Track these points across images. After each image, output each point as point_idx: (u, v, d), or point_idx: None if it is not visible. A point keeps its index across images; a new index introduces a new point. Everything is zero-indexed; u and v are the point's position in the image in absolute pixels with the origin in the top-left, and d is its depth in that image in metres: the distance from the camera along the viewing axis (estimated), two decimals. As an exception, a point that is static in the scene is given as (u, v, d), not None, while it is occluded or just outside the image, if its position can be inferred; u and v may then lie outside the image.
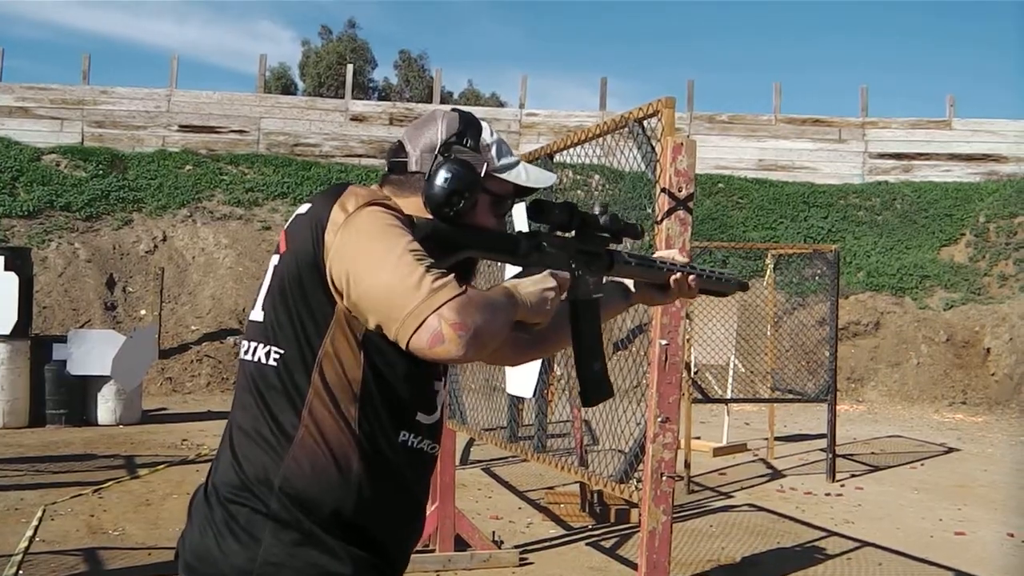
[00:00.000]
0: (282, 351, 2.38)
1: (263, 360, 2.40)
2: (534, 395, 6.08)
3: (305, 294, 2.35)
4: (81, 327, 19.44)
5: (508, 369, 6.47)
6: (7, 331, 13.80)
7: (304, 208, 2.45)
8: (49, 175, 24.52)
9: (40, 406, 14.96)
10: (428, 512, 7.87)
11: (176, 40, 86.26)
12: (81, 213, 23.78)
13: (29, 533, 8.44)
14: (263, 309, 2.44)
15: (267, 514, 2.31)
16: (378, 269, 2.20)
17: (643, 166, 5.08)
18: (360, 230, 2.27)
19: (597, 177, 25.12)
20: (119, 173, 24.94)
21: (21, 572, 7.31)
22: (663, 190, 4.58)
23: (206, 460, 12.42)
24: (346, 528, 2.34)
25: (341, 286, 2.27)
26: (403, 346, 2.17)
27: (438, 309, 2.11)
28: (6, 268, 13.07)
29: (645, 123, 5.06)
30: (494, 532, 8.22)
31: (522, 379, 6.15)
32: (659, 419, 4.55)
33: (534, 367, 5.93)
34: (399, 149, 2.56)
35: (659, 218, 4.62)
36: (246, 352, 2.46)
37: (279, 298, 2.40)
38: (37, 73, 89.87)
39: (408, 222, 2.33)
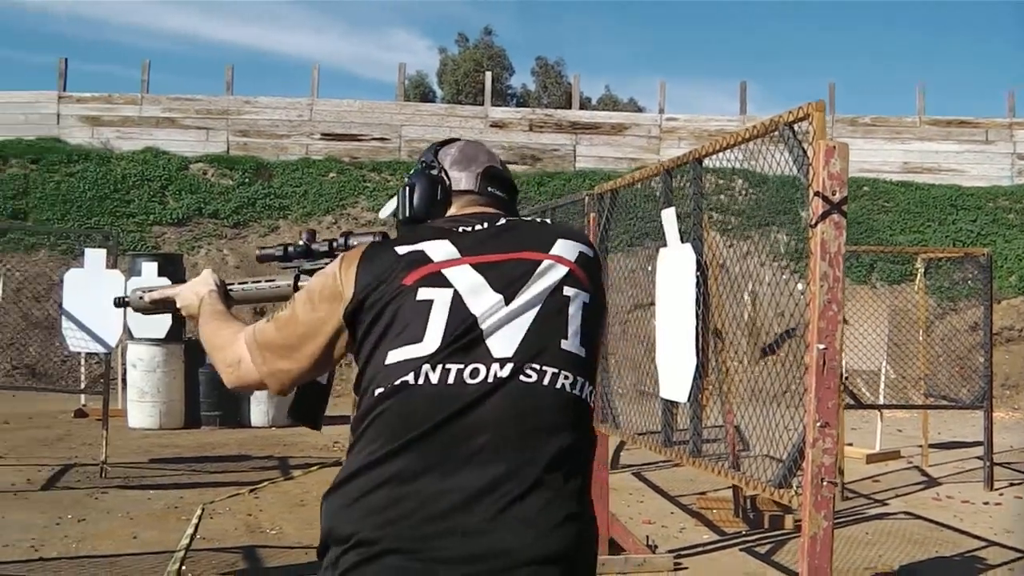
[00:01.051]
0: (591, 388, 2.48)
1: (588, 398, 2.46)
2: (688, 399, 6.07)
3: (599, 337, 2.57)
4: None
5: (661, 373, 6.48)
6: (162, 335, 14.18)
7: (577, 247, 2.57)
8: (197, 183, 25.11)
9: (195, 408, 15.38)
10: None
11: (315, 50, 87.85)
12: (228, 220, 24.31)
13: (190, 531, 8.66)
14: (583, 346, 2.46)
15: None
16: None
17: (794, 170, 5.06)
18: None
19: (740, 181, 24.96)
20: (264, 181, 25.42)
21: (184, 568, 7.53)
22: (816, 194, 4.55)
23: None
24: None
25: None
26: None
27: None
28: (160, 274, 13.41)
29: (796, 126, 5.03)
30: (647, 536, 8.23)
31: (676, 382, 6.16)
32: (818, 424, 4.52)
33: (688, 370, 5.93)
34: (516, 190, 2.89)
35: (813, 222, 4.59)
36: (549, 379, 2.39)
37: (593, 338, 2.51)
38: (182, 85, 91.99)
39: None
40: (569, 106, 30.09)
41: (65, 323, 11.18)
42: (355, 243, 2.89)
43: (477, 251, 2.49)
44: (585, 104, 33.33)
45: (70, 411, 16.27)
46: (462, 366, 2.33)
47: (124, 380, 15.95)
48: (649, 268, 7.76)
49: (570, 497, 2.31)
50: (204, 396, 15.32)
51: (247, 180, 25.25)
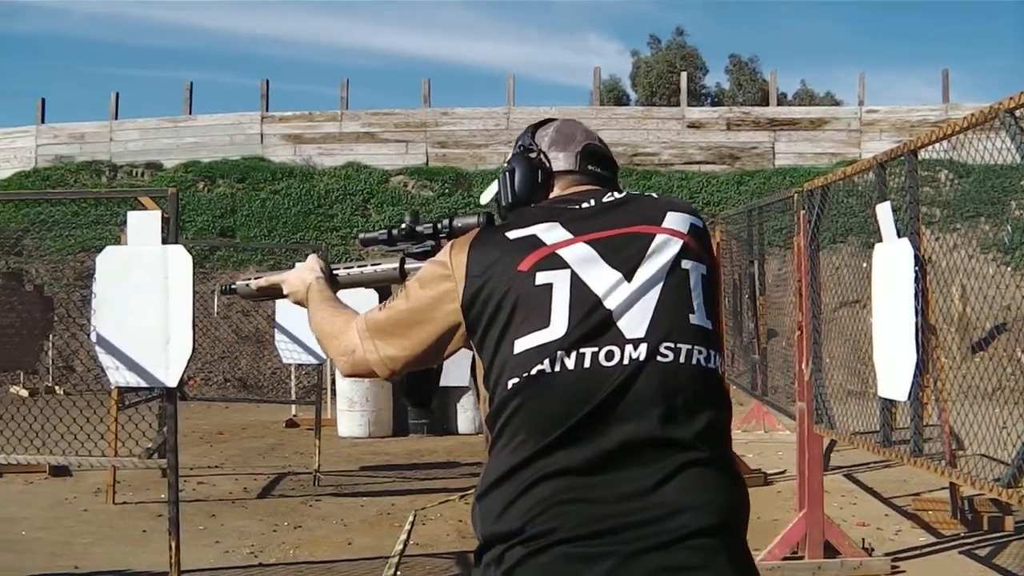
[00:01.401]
0: (721, 358, 2.50)
1: (717, 366, 2.46)
2: (908, 397, 5.88)
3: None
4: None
5: (880, 371, 6.29)
6: None
7: (688, 219, 2.53)
8: (397, 195, 25.53)
9: (403, 417, 15.58)
10: (796, 518, 7.76)
11: (509, 59, 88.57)
12: (431, 231, 24.60)
13: (403, 536, 8.78)
14: (708, 318, 2.45)
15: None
16: None
17: (1014, 157, 4.85)
18: None
19: (945, 173, 24.22)
20: (464, 191, 25.68)
21: (399, 573, 7.61)
22: (1046, 179, 4.34)
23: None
24: None
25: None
26: None
27: None
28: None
29: (1016, 113, 4.82)
30: (863, 539, 8.00)
31: (895, 380, 5.97)
32: (1052, 419, 4.32)
33: (908, 368, 5.74)
34: (603, 155, 2.80)
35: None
36: (685, 357, 2.37)
37: (715, 309, 2.50)
38: (380, 100, 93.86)
39: None
40: (766, 103, 29.67)
41: (278, 336, 11.47)
42: (459, 224, 2.90)
43: (588, 229, 2.45)
44: (781, 100, 32.81)
45: (281, 421, 16.66)
46: (596, 349, 2.31)
47: (334, 390, 16.28)
48: (859, 265, 7.59)
49: (725, 466, 2.36)
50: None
51: (447, 191, 25.57)
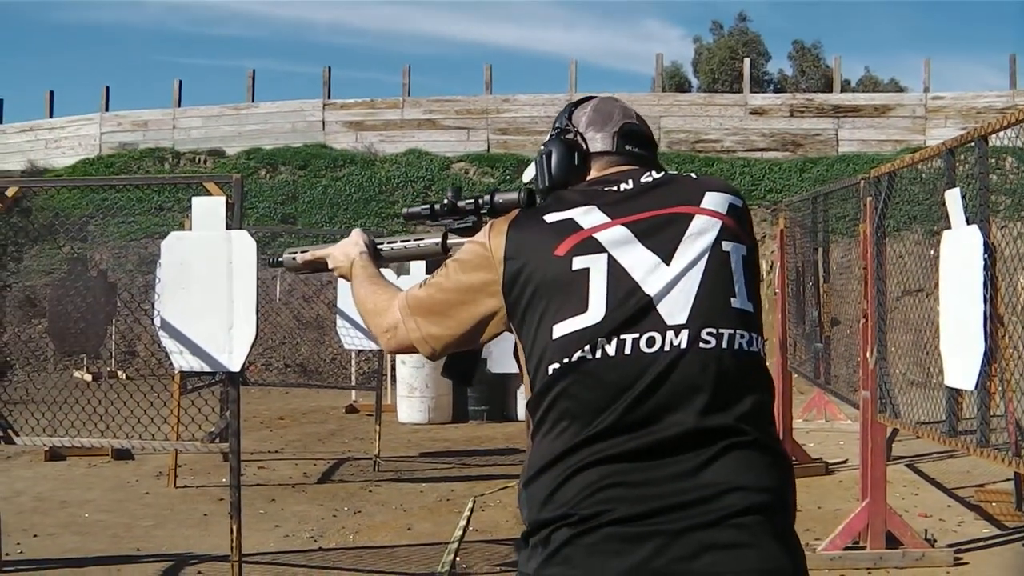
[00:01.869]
0: (763, 341, 2.48)
1: (760, 350, 2.44)
2: (976, 386, 5.80)
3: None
4: (496, 328, 20.11)
5: (947, 359, 6.22)
6: None
7: (727, 199, 2.52)
8: (459, 182, 25.46)
9: (462, 403, 15.62)
10: (859, 508, 7.70)
11: (570, 46, 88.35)
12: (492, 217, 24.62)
13: (462, 523, 8.79)
14: (750, 301, 2.44)
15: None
16: None
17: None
18: None
19: (1011, 160, 23.90)
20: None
21: (458, 559, 7.62)
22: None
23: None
24: None
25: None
26: None
27: None
28: (427, 271, 13.60)
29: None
30: (926, 530, 7.91)
31: (963, 369, 5.89)
32: (1123, 410, 4.24)
33: (976, 357, 5.66)
34: (651, 136, 2.78)
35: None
36: (727, 342, 2.36)
37: (757, 291, 2.49)
38: (442, 87, 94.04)
39: None
40: (829, 89, 29.43)
41: (339, 322, 11.52)
42: (500, 200, 2.90)
43: (627, 212, 2.44)
44: (845, 86, 32.50)
45: (341, 407, 16.75)
46: (637, 335, 2.31)
47: (394, 376, 16.33)
48: (924, 253, 7.50)
49: (770, 448, 2.35)
50: (471, 391, 15.55)
51: (508, 177, 25.52)
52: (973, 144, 6.00)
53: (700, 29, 63.84)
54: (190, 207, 6.74)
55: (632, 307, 2.33)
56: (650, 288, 2.34)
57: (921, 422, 7.09)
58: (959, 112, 26.29)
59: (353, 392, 17.02)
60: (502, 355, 14.81)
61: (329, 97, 27.96)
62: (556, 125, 2.79)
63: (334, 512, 9.26)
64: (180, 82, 28.84)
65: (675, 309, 2.33)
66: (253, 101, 28.46)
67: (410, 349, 2.69)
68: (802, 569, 2.39)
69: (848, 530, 7.62)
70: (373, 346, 11.50)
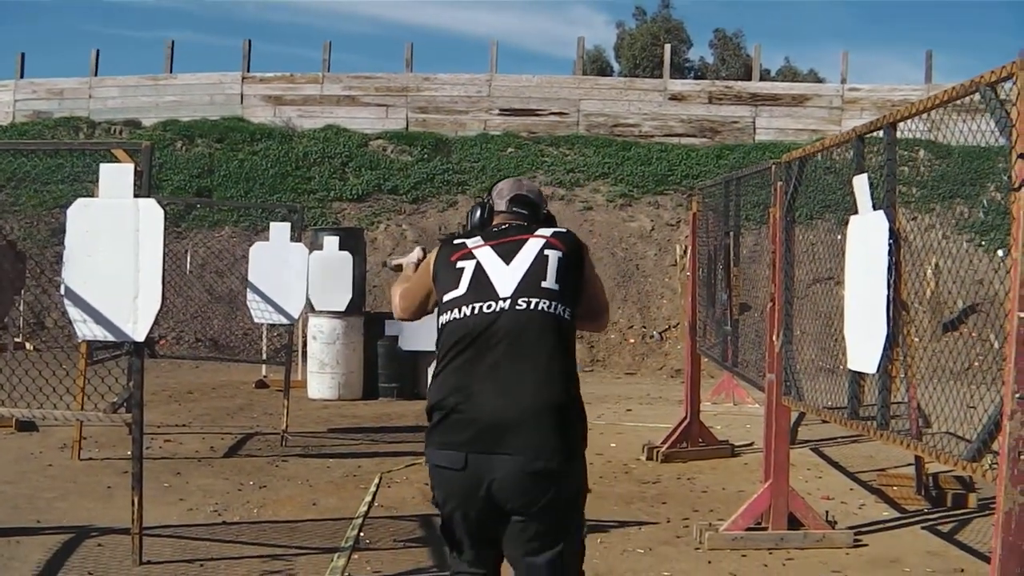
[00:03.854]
0: (572, 311, 4.25)
1: (563, 314, 4.17)
2: (878, 370, 5.88)
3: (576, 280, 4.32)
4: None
5: (850, 343, 6.30)
6: (342, 308, 14.35)
7: (553, 229, 4.37)
8: (376, 160, 25.46)
9: (373, 380, 15.62)
10: (761, 489, 7.79)
11: (493, 27, 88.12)
12: (408, 196, 24.60)
13: (368, 498, 8.77)
14: (558, 283, 4.19)
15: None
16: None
17: (994, 136, 4.83)
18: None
19: (923, 153, 24.26)
20: (443, 157, 25.63)
21: (362, 534, 7.60)
22: (1021, 156, 4.32)
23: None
24: None
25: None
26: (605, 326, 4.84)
27: None
28: (341, 247, 13.56)
29: (997, 87, 4.79)
30: (827, 512, 8.01)
31: (865, 353, 5.97)
32: (1017, 396, 4.31)
33: (878, 341, 5.74)
34: (538, 205, 4.57)
35: (1016, 185, 4.37)
36: (541, 309, 4.12)
37: (567, 278, 4.24)
38: (363, 64, 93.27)
39: None
40: (749, 78, 29.65)
41: (250, 295, 11.41)
42: (447, 235, 4.72)
43: (495, 239, 4.33)
44: (764, 76, 32.77)
45: (251, 382, 16.65)
46: (481, 303, 4.13)
47: (304, 352, 16.25)
48: (834, 241, 7.59)
49: (559, 376, 4.10)
50: (382, 368, 15.53)
51: (426, 156, 25.50)
52: (883, 131, 6.05)
53: (625, 15, 63.78)
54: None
55: (482, 288, 4.17)
56: (494, 278, 4.19)
57: (826, 407, 7.17)
58: (875, 104, 26.63)
59: (263, 367, 16.89)
60: (413, 333, 14.83)
61: (248, 70, 27.75)
62: (480, 196, 4.84)
63: (239, 486, 9.19)
64: (98, 51, 28.53)
65: (505, 288, 4.15)
66: (171, 72, 28.13)
67: (401, 317, 4.76)
68: (544, 463, 3.96)
69: (751, 511, 7.70)
70: (283, 320, 11.43)
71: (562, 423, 4.00)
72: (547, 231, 4.29)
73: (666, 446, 10.97)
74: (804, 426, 13.03)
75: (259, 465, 10.17)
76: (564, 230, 4.35)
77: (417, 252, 5.00)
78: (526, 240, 4.24)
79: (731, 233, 9.61)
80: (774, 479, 7.68)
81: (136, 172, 6.47)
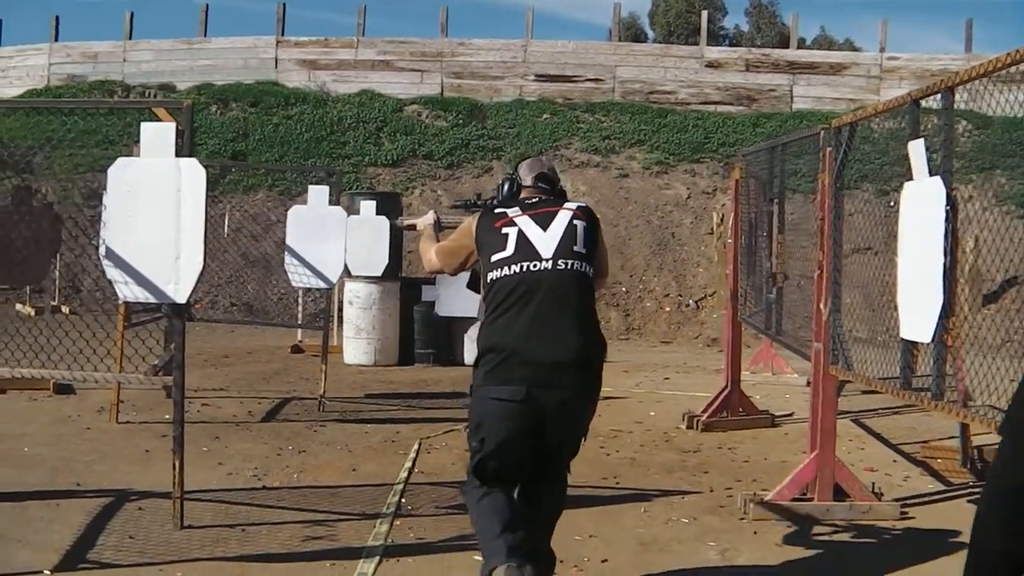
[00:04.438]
0: (593, 270, 5.28)
1: (588, 272, 5.22)
2: (932, 339, 5.75)
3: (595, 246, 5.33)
4: (440, 272, 20.02)
5: (903, 311, 6.17)
6: (379, 273, 14.19)
7: (577, 204, 5.46)
8: (411, 125, 25.34)
9: (409, 346, 15.57)
10: (807, 459, 7.68)
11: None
12: (443, 161, 24.50)
13: (408, 464, 8.71)
14: (585, 247, 5.20)
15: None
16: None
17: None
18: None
19: (964, 123, 23.96)
20: (478, 122, 25.49)
21: (403, 500, 7.54)
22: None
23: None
24: None
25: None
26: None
27: None
28: (378, 212, 13.41)
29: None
30: (873, 484, 7.89)
31: (919, 322, 5.84)
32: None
33: (934, 309, 5.60)
34: (556, 182, 5.65)
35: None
36: (573, 268, 5.14)
37: (590, 244, 5.26)
38: (397, 28, 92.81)
39: None
40: (785, 46, 29.36)
41: (288, 259, 11.32)
42: (485, 201, 5.92)
43: (531, 209, 5.28)
44: (801, 45, 32.44)
45: (287, 347, 16.61)
46: (527, 263, 5.06)
47: (340, 317, 16.20)
48: (873, 212, 7.47)
49: (590, 323, 5.17)
50: (419, 334, 15.47)
51: (461, 121, 25.37)
52: (939, 95, 5.91)
53: (660, -18, 63.17)
54: (139, 137, 6.54)
55: (525, 250, 5.10)
56: (535, 242, 5.13)
57: (877, 377, 7.04)
58: (914, 74, 26.34)
59: (299, 332, 16.86)
60: (450, 299, 14.75)
61: (283, 34, 27.66)
62: (507, 172, 5.67)
63: (278, 451, 9.14)
64: (132, 14, 28.44)
65: (547, 251, 5.10)
66: (206, 36, 28.06)
67: (439, 271, 5.63)
68: (583, 397, 5.12)
69: (796, 481, 7.60)
70: (321, 284, 11.35)
71: (597, 363, 5.19)
72: (573, 205, 5.40)
73: (706, 415, 10.87)
74: (843, 397, 12.92)
75: (297, 430, 10.13)
76: (584, 204, 5.52)
77: (431, 215, 6.01)
78: (557, 212, 5.29)
79: (775, 200, 9.46)
80: (820, 449, 7.57)
81: (177, 131, 6.38)
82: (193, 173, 6.32)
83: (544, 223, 5.18)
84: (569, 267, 5.08)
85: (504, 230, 5.17)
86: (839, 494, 7.59)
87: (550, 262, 5.05)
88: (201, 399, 11.39)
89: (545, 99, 26.38)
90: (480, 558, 5.38)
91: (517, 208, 5.28)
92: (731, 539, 6.96)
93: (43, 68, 28.08)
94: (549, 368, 4.90)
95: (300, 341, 16.65)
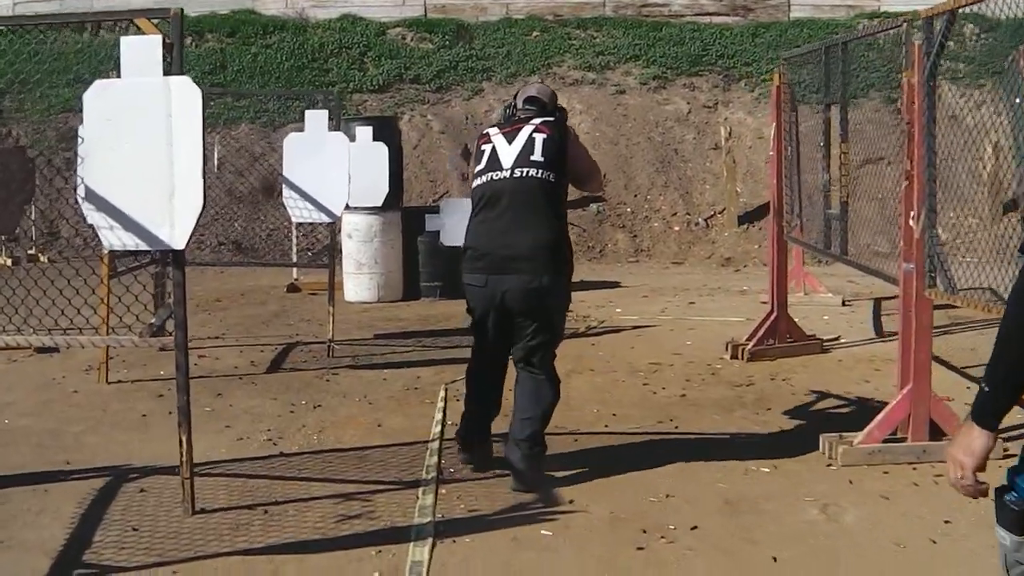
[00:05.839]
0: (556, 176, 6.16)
1: (548, 178, 6.09)
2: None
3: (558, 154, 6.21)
4: (439, 198, 19.08)
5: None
6: (379, 203, 12.98)
7: (544, 118, 6.27)
8: (396, 49, 24.19)
9: (414, 279, 14.59)
10: (899, 396, 6.78)
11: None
12: (431, 85, 23.39)
13: (438, 416, 7.80)
14: (543, 156, 6.07)
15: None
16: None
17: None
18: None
19: (970, 27, 23.03)
20: (465, 43, 24.35)
21: (443, 462, 6.63)
22: None
23: (598, 332, 11.62)
24: None
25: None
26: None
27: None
28: (375, 138, 12.27)
29: None
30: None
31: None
32: None
33: None
34: (545, 103, 6.42)
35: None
36: (530, 175, 6.08)
37: (549, 153, 6.11)
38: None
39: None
40: (782, -46, 28.22)
41: (286, 192, 10.22)
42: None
43: (505, 127, 6.28)
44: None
45: (281, 286, 15.53)
46: (493, 173, 6.11)
47: (339, 251, 15.15)
48: (883, 120, 6.69)
49: (545, 221, 6.05)
50: (423, 266, 14.46)
51: (448, 43, 24.19)
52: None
53: None
54: (117, 64, 5.48)
55: (494, 162, 6.13)
56: (502, 155, 6.13)
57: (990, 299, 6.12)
58: (917, -28, 25.18)
59: (294, 270, 15.82)
60: (454, 227, 13.67)
61: (257, -42, 26.36)
62: (508, 100, 7.00)
63: (291, 407, 8.18)
64: (97, -57, 27.06)
65: (508, 161, 6.08)
66: (175, -37, 26.77)
67: None
68: (534, 280, 5.99)
69: (888, 420, 6.72)
70: (324, 218, 10.31)
71: (550, 254, 6.04)
72: (539, 120, 6.24)
73: (752, 343, 9.95)
74: (885, 315, 12.08)
75: (307, 380, 9.17)
76: (552, 119, 6.29)
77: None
78: (523, 127, 6.21)
79: (832, 105, 8.47)
80: (914, 384, 6.68)
81: (165, 44, 5.33)
82: (186, 94, 5.26)
83: (511, 138, 6.18)
84: (526, 174, 6.04)
85: (483, 147, 6.29)
86: (934, 432, 6.70)
87: (509, 171, 6.08)
88: (197, 350, 10.29)
89: (534, 16, 25.17)
90: (547, 532, 5.47)
91: (496, 128, 6.37)
92: (827, 492, 6.09)
93: (8, 7, 26.81)
94: (502, 260, 5.98)
95: (296, 279, 15.59)
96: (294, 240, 17.04)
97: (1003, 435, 6.71)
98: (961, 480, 2.85)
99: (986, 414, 2.81)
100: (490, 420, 6.57)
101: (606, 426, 7.67)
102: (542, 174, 6.03)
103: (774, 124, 10.00)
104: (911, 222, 6.62)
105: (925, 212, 6.51)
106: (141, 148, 5.30)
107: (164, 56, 5.32)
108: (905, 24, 6.71)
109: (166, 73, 5.32)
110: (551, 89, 6.78)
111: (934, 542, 5.35)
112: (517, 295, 5.98)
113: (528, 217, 5.99)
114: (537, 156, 6.04)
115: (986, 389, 2.80)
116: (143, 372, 9.29)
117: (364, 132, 11.64)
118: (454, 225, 13.58)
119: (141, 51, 5.31)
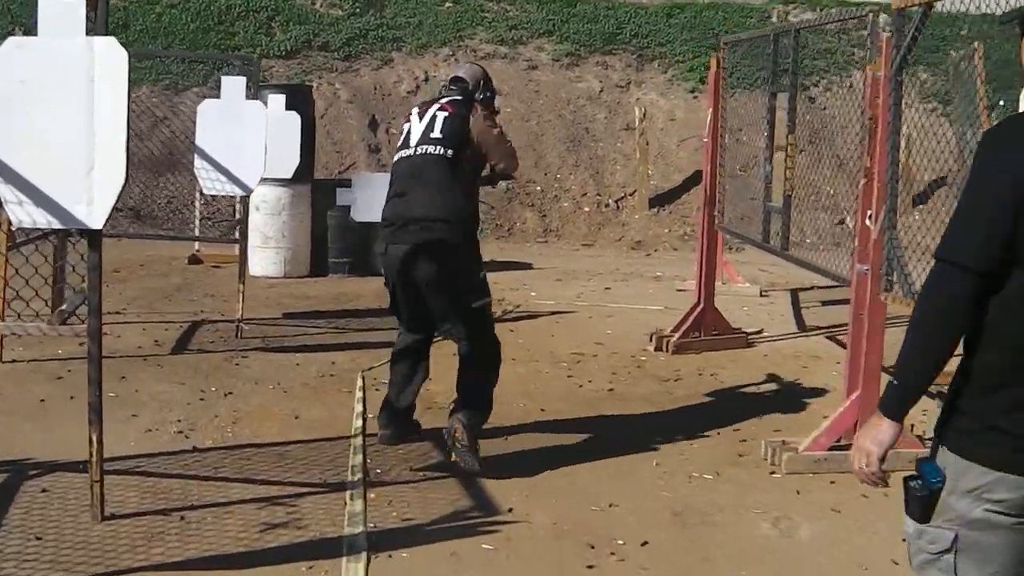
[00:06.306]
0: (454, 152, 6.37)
1: (445, 154, 6.32)
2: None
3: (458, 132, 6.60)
4: (345, 170, 18.60)
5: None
6: (288, 175, 12.40)
7: (451, 98, 6.53)
8: (305, 14, 23.55)
9: (322, 255, 14.09)
10: (847, 403, 6.53)
11: None
12: (339, 53, 22.80)
13: (358, 408, 7.39)
14: (441, 133, 6.33)
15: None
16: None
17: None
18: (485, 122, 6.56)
19: (884, 17, 22.96)
20: (376, 12, 23.80)
21: (369, 462, 6.23)
22: None
23: (515, 316, 11.26)
24: None
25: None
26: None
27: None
28: (287, 107, 11.70)
29: None
30: (911, 426, 6.72)
31: None
32: None
33: None
34: (467, 83, 6.66)
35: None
36: (428, 152, 6.35)
37: (447, 130, 6.36)
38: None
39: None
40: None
41: (198, 162, 9.67)
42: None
43: (423, 107, 6.60)
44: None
45: (183, 257, 14.93)
46: (403, 150, 6.48)
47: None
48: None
49: (442, 195, 6.25)
50: (332, 242, 13.96)
51: (358, 10, 23.60)
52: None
53: None
54: (35, 19, 4.96)
55: (405, 140, 6.50)
56: (412, 132, 6.46)
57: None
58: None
59: (196, 241, 15.20)
60: (367, 203, 13.18)
61: (158, -88, 25.51)
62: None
63: (201, 394, 7.68)
64: None
65: (415, 140, 6.41)
66: (74, -84, 25.80)
67: None
68: (427, 244, 6.19)
69: (834, 428, 6.47)
70: (238, 191, 9.79)
71: (443, 223, 6.20)
72: (446, 99, 6.50)
73: (677, 335, 9.66)
74: (805, 308, 11.92)
75: (216, 363, 8.67)
76: (458, 99, 6.48)
77: None
78: (432, 106, 6.50)
79: (777, 94, 8.19)
80: (863, 391, 6.41)
81: (88, 1, 4.83)
82: (112, 57, 4.80)
83: (422, 116, 6.47)
84: (425, 151, 6.34)
85: (404, 126, 6.66)
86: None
87: (413, 148, 6.40)
88: (96, 325, 9.77)
89: (446, -14, 24.74)
90: (488, 546, 5.10)
91: (417, 107, 6.71)
92: (776, 504, 5.86)
93: None
94: (398, 229, 6.25)
95: (198, 250, 14.97)
96: (197, 209, 16.38)
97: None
98: (867, 468, 3.05)
99: (893, 406, 2.99)
100: (411, 394, 6.57)
101: (536, 423, 7.33)
102: (439, 150, 6.31)
103: (710, 110, 9.68)
104: (867, 222, 6.34)
105: (884, 212, 6.23)
106: (58, 115, 4.80)
107: (89, 13, 4.82)
108: (871, 14, 6.43)
109: (88, 33, 4.82)
110: (481, 68, 7.07)
111: (896, 563, 5.07)
112: (411, 259, 6.16)
113: (425, 190, 6.26)
114: (436, 133, 6.34)
115: (894, 383, 2.96)
116: (40, 350, 8.67)
117: (277, 100, 11.17)
118: (366, 200, 13.12)
119: (61, 7, 4.81)
